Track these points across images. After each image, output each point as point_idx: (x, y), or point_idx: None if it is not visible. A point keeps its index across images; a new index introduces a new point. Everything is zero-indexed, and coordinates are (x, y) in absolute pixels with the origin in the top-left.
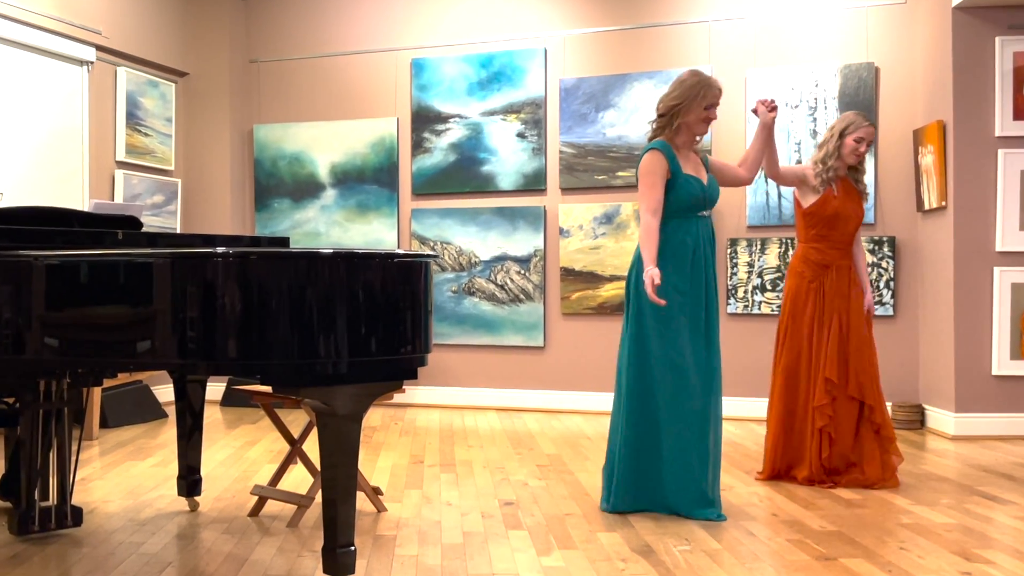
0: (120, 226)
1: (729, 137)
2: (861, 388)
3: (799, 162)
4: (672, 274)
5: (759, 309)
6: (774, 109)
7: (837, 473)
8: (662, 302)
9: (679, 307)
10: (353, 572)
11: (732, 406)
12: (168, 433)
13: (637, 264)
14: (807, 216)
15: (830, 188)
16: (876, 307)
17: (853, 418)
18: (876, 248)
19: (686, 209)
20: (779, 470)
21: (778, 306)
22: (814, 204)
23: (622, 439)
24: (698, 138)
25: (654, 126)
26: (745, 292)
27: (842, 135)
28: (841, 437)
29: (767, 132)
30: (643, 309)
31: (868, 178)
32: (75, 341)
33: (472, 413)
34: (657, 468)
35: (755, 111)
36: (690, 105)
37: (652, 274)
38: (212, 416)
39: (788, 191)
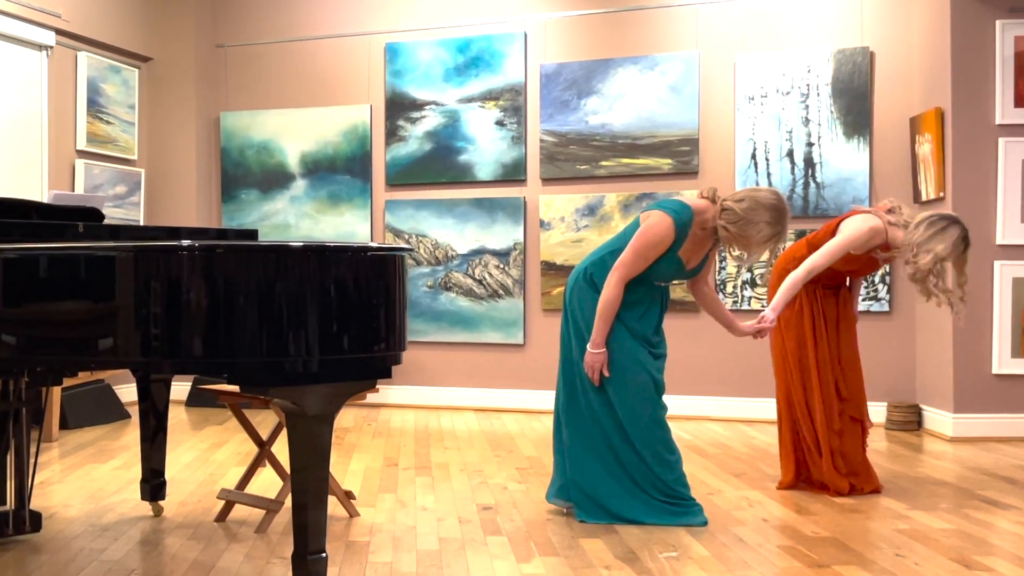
0: (81, 218)
1: (719, 124)
2: (859, 407)
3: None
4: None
5: (749, 305)
6: (761, 332)
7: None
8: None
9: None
10: None
11: (718, 407)
12: (131, 434)
13: (580, 279)
14: (830, 255)
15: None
16: (872, 303)
17: (850, 433)
18: None
19: (654, 279)
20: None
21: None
22: (850, 259)
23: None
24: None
25: (722, 213)
26: (734, 287)
27: (949, 259)
28: (848, 452)
29: (732, 325)
30: (583, 334)
31: (859, 167)
32: (34, 338)
33: (449, 414)
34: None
35: (758, 327)
36: (747, 231)
37: (601, 362)
38: (177, 417)
39: (784, 182)
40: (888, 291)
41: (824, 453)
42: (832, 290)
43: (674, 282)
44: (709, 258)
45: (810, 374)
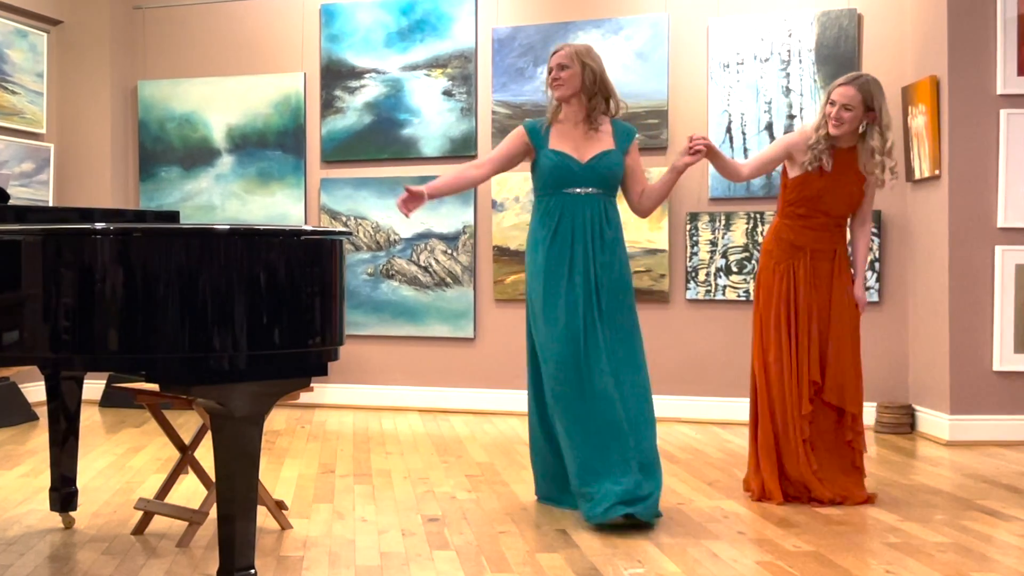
0: None
1: (690, 94)
2: (841, 393)
3: (790, 129)
4: (538, 252)
5: (723, 295)
6: (699, 152)
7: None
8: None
9: (544, 287)
10: None
11: (690, 407)
12: (39, 438)
13: (530, 243)
14: (787, 188)
15: (820, 163)
16: None
17: (831, 428)
18: None
19: (550, 185)
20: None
21: (745, 291)
22: (797, 178)
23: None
24: (564, 103)
25: None
26: (707, 275)
27: (829, 98)
28: (817, 449)
29: (675, 176)
30: (529, 293)
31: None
32: None
33: (391, 415)
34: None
35: (689, 150)
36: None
37: (415, 190)
38: (90, 418)
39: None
40: (877, 279)
41: (794, 440)
42: (824, 253)
43: (593, 189)
44: (629, 154)
45: (776, 344)
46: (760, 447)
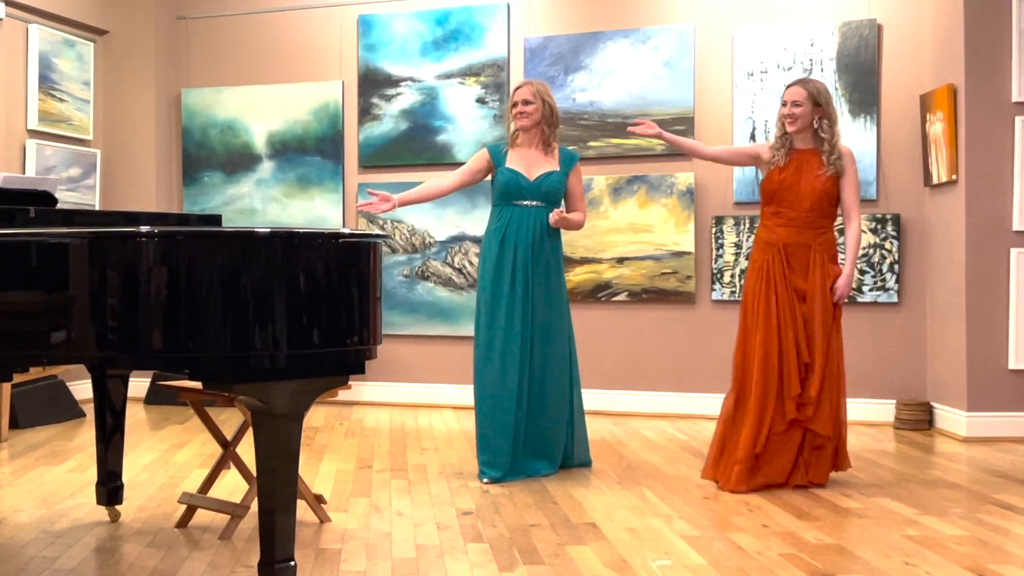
0: (32, 202)
1: (715, 101)
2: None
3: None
4: (490, 249)
5: None
6: (654, 134)
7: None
8: (370, 206)
9: (488, 289)
10: None
11: (715, 404)
12: (86, 434)
13: (484, 242)
14: (760, 190)
15: (780, 160)
16: (880, 293)
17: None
18: (879, 227)
19: (503, 197)
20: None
21: None
22: (764, 178)
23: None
24: (522, 131)
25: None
26: (732, 276)
27: (782, 101)
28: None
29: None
30: (480, 280)
31: (866, 148)
32: None
33: (426, 412)
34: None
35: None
36: (510, 111)
37: (382, 195)
38: (135, 415)
39: None
40: (897, 280)
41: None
42: (797, 247)
43: (538, 202)
44: (571, 173)
45: (751, 334)
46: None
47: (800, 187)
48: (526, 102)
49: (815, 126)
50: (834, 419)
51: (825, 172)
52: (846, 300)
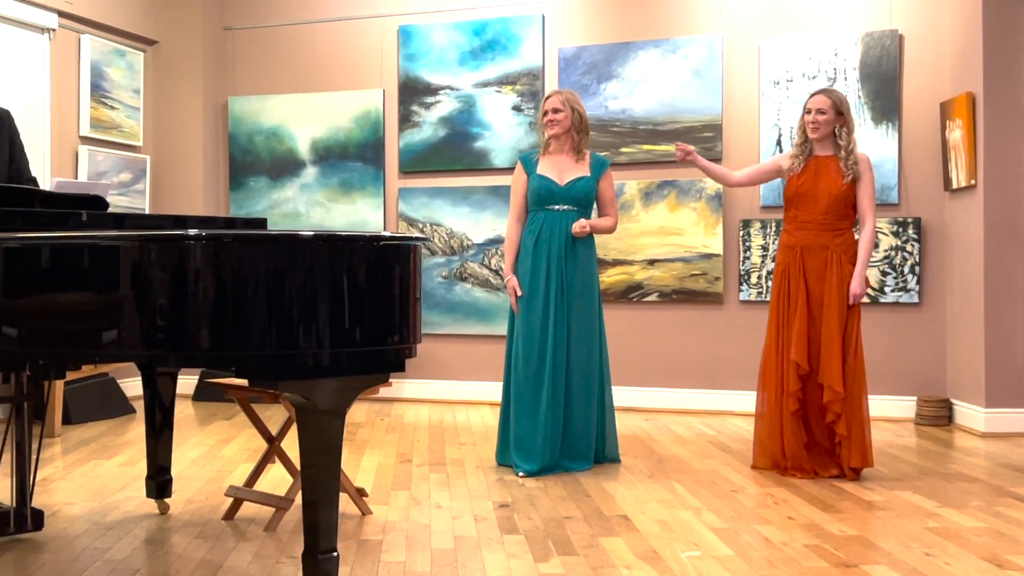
0: (84, 206)
1: (742, 109)
2: (828, 375)
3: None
4: (522, 257)
5: None
6: (689, 154)
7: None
8: (515, 308)
9: (526, 289)
10: None
11: (743, 401)
12: (136, 430)
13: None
14: (783, 197)
15: (800, 166)
16: (901, 294)
17: (823, 407)
18: (900, 230)
19: (536, 203)
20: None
21: None
22: (785, 185)
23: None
24: (553, 139)
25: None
26: (759, 278)
27: (805, 109)
28: (814, 425)
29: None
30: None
31: (888, 154)
32: (36, 330)
33: (464, 408)
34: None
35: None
36: (541, 119)
37: (512, 285)
38: (184, 411)
39: None
40: (917, 282)
41: (784, 415)
42: (815, 250)
43: (569, 206)
44: (603, 177)
45: (775, 332)
46: (764, 424)
47: (817, 191)
48: (556, 110)
49: (835, 134)
50: (856, 418)
51: (843, 177)
52: (863, 300)
